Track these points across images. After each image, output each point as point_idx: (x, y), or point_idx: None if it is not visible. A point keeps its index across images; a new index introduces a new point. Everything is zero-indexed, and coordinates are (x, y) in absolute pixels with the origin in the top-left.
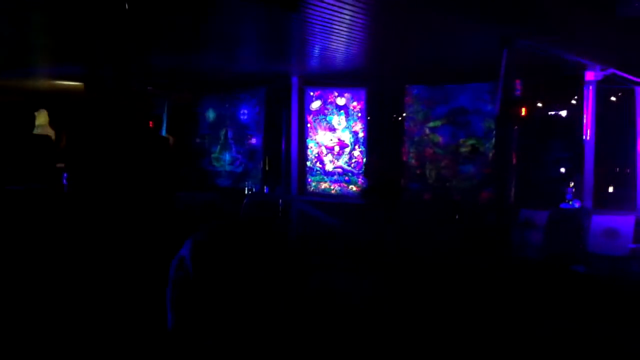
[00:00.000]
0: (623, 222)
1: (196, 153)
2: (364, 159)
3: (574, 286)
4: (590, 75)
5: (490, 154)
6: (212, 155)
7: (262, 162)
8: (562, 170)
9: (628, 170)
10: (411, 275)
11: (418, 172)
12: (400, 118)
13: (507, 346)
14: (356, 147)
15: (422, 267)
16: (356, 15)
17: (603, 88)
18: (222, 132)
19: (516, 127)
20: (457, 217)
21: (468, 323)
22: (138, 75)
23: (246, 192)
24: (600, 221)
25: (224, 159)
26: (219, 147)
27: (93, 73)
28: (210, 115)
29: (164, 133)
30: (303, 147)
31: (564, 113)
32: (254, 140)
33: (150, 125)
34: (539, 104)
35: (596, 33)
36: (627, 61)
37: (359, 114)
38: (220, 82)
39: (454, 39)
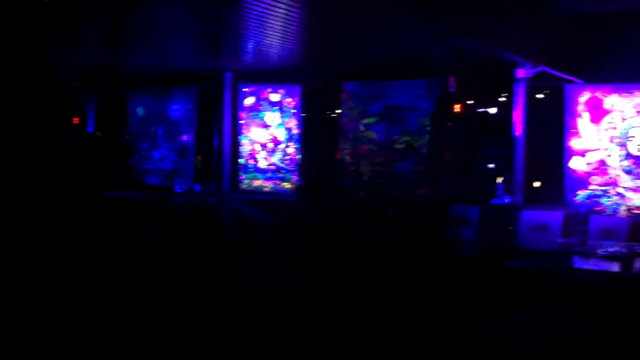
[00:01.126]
0: (552, 217)
1: (125, 150)
2: (298, 156)
3: (505, 280)
4: (521, 73)
5: (425, 151)
6: (142, 152)
7: (193, 160)
8: (495, 166)
9: (558, 166)
10: (346, 272)
11: (353, 169)
12: (335, 115)
13: (435, 341)
14: (290, 143)
15: (357, 263)
16: (291, 9)
17: (534, 85)
18: (152, 129)
19: (450, 124)
20: (392, 213)
21: (399, 316)
22: (61, 70)
23: (176, 190)
24: (531, 216)
25: (154, 156)
26: (148, 144)
27: (8, 67)
28: (140, 111)
29: (91, 129)
30: (236, 144)
31: (497, 110)
32: (185, 137)
33: (76, 121)
34: (473, 101)
35: (527, 31)
36: (556, 59)
37: (294, 111)
38: (152, 78)
39: (390, 36)
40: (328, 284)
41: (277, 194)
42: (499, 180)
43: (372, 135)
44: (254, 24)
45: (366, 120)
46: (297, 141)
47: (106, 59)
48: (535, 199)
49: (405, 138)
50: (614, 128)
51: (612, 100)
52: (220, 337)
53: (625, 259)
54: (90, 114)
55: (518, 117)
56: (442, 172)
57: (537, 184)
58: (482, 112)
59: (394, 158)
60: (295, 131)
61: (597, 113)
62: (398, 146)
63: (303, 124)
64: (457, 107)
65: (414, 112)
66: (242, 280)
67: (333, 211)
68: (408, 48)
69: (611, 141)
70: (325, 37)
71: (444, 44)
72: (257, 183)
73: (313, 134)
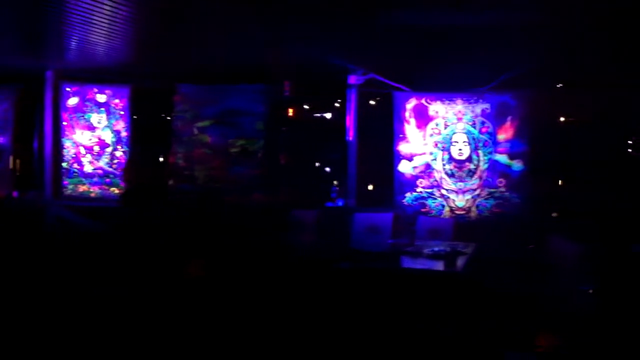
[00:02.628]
0: (383, 219)
1: None
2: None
3: (338, 281)
4: (352, 79)
5: (260, 155)
6: None
7: (9, 164)
8: (330, 170)
9: (388, 170)
10: (174, 282)
11: (187, 173)
12: (168, 117)
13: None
14: (119, 147)
15: (186, 271)
16: (118, 6)
17: (367, 92)
18: None
19: (285, 128)
20: (227, 218)
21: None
22: None
23: None
24: (363, 219)
25: None
26: None
27: None
28: None
29: None
30: (58, 147)
31: (333, 115)
32: (0, 140)
33: None
34: (310, 106)
35: (356, 40)
36: (385, 67)
37: (122, 112)
38: None
39: (224, 39)
40: (150, 296)
41: (104, 200)
42: (334, 183)
43: (207, 138)
44: (77, 20)
45: (201, 124)
46: (125, 144)
47: None
48: (368, 201)
49: (241, 142)
50: (438, 133)
51: (436, 108)
52: None
53: (448, 258)
54: None
55: (350, 122)
56: (278, 176)
57: (370, 187)
58: (319, 116)
59: (229, 162)
60: (124, 134)
61: (423, 119)
62: (234, 150)
63: (133, 126)
64: (292, 112)
65: (249, 116)
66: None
67: (163, 218)
68: (242, 52)
69: (435, 146)
70: (155, 37)
71: (276, 49)
72: (83, 189)
73: (144, 137)
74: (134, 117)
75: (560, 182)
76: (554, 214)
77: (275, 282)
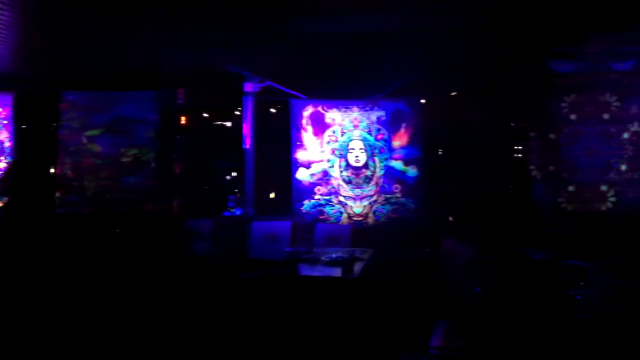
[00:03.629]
0: (281, 227)
1: None
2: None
3: (237, 290)
4: (249, 87)
5: (154, 164)
6: None
7: None
8: (228, 178)
9: (287, 178)
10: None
11: (75, 184)
12: (54, 126)
13: None
14: (2, 158)
15: (72, 284)
16: None
17: (265, 99)
18: None
19: (180, 136)
20: (118, 230)
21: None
22: None
23: None
24: (261, 227)
25: None
26: None
27: None
28: None
29: None
30: None
31: (232, 123)
32: None
33: None
34: (208, 114)
35: (250, 47)
36: (281, 74)
37: (5, 122)
38: None
39: (111, 45)
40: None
41: None
42: (233, 192)
43: (97, 148)
44: None
45: (90, 132)
46: (9, 155)
47: None
48: (267, 209)
49: (134, 151)
50: (335, 141)
51: (333, 115)
52: None
53: (345, 264)
54: None
55: (247, 130)
56: (173, 185)
57: (272, 195)
58: (217, 124)
59: (121, 172)
60: (7, 144)
61: (320, 127)
62: (126, 159)
63: (17, 136)
64: (189, 120)
65: (141, 124)
66: None
67: (49, 232)
68: (132, 58)
69: (333, 153)
70: (39, 42)
71: (168, 55)
72: None
73: (30, 147)
74: (20, 126)
75: (453, 186)
76: (450, 218)
77: (168, 294)
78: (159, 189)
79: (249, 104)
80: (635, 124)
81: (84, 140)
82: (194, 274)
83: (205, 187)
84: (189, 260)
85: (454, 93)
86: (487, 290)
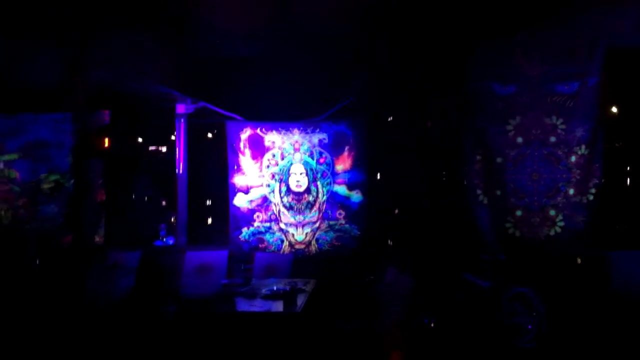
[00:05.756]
0: (217, 257)
1: None
2: None
3: (162, 329)
4: (181, 108)
5: (72, 191)
6: None
7: None
8: (159, 206)
9: (224, 204)
10: None
11: None
12: None
13: None
14: None
15: None
16: None
17: (199, 122)
18: None
19: (101, 161)
20: (35, 263)
21: None
22: None
23: None
24: (195, 257)
25: None
26: None
27: None
28: None
29: None
30: None
31: (166, 147)
32: None
33: None
34: (141, 137)
35: (173, 67)
36: (214, 95)
37: None
38: None
39: (18, 61)
40: None
41: None
42: (165, 221)
43: (14, 174)
44: None
45: (6, 157)
46: None
47: None
48: (202, 238)
49: (54, 177)
50: (275, 165)
51: (272, 138)
52: None
53: (287, 297)
54: None
55: (180, 154)
56: (93, 214)
57: (209, 222)
58: (148, 149)
59: (39, 200)
60: None
61: (259, 150)
62: (46, 186)
63: None
64: (115, 143)
65: (61, 149)
66: None
67: None
68: (47, 76)
69: (272, 177)
70: None
71: (85, 74)
72: None
73: None
74: None
75: (396, 211)
76: (390, 243)
77: (78, 334)
78: (79, 218)
79: (182, 126)
80: (582, 146)
81: (1, 166)
82: (113, 311)
83: (135, 216)
84: (106, 295)
85: (390, 118)
86: (435, 321)
